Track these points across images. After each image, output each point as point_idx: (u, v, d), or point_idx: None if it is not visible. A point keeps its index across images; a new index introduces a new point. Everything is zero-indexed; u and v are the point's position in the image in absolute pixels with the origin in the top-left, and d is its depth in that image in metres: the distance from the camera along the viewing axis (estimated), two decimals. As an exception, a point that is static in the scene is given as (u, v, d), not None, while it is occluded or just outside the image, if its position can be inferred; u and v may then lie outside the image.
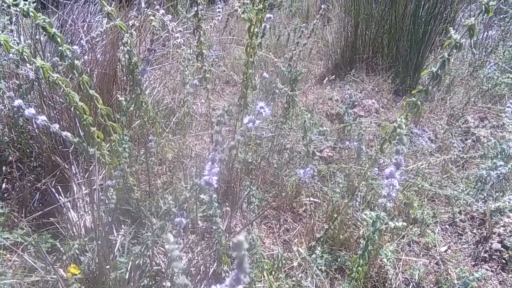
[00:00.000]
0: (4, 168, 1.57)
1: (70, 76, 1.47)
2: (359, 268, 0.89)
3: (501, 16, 3.44)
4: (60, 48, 0.96)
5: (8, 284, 1.00)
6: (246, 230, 1.37)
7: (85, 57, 1.67)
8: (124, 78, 1.73)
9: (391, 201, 0.78)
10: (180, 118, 1.76)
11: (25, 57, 1.05)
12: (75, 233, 1.23)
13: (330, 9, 3.78)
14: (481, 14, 1.12)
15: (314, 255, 1.25)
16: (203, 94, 2.25)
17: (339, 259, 1.37)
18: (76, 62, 0.99)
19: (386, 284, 1.33)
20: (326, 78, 2.24)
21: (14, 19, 1.68)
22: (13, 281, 1.01)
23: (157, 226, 0.79)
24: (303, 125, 1.47)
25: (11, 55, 1.56)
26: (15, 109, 1.44)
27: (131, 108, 1.42)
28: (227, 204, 1.45)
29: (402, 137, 0.74)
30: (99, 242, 0.93)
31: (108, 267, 0.94)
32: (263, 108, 0.75)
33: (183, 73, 1.74)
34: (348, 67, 3.05)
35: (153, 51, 1.38)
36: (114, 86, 1.70)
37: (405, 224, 1.03)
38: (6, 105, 1.61)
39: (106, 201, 1.11)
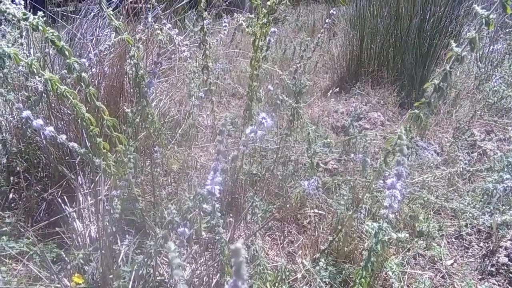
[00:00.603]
0: (11, 178, 1.59)
1: (78, 88, 1.50)
2: (362, 280, 0.89)
3: (507, 30, 3.45)
4: (68, 61, 0.99)
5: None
6: (249, 241, 1.36)
7: (93, 69, 1.70)
8: (131, 90, 1.76)
9: (395, 212, 0.78)
10: (185, 130, 1.78)
11: (34, 70, 1.08)
12: (80, 243, 1.24)
13: (336, 23, 3.82)
14: (482, 27, 1.13)
15: (318, 267, 1.24)
16: (208, 106, 2.27)
17: (343, 272, 1.36)
18: (83, 74, 1.01)
19: (391, 297, 1.31)
20: (331, 91, 2.26)
21: (24, 32, 1.72)
22: (18, 290, 1.02)
23: (160, 235, 0.80)
24: (308, 137, 1.47)
25: (20, 67, 1.60)
26: (24, 120, 1.47)
27: (137, 120, 1.44)
28: (231, 215, 1.45)
29: (402, 147, 0.74)
30: (103, 251, 0.94)
31: (111, 276, 0.94)
32: (265, 118, 0.76)
33: (189, 85, 1.77)
34: (354, 80, 3.06)
35: (159, 64, 1.40)
36: (121, 98, 1.72)
37: (407, 235, 1.02)
38: (15, 117, 1.64)
39: (111, 211, 1.12)
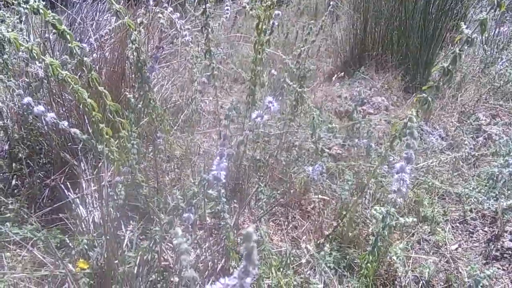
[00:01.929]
0: (14, 164, 1.59)
1: (79, 74, 1.48)
2: (369, 264, 0.88)
3: (513, 12, 3.39)
4: (69, 45, 0.97)
5: (18, 278, 1.01)
6: (254, 226, 1.36)
7: (94, 55, 1.68)
8: (132, 76, 1.74)
9: (403, 197, 0.76)
10: (188, 116, 1.76)
11: (35, 54, 1.06)
12: (84, 229, 1.24)
13: (339, 6, 3.76)
14: (493, 9, 1.10)
15: (322, 252, 1.24)
16: (211, 92, 2.25)
17: (347, 257, 1.36)
18: (85, 59, 0.99)
19: (396, 282, 1.31)
20: (335, 76, 2.24)
21: (23, 18, 1.69)
22: (23, 275, 1.02)
23: (165, 221, 0.79)
24: (312, 122, 1.46)
25: (20, 53, 1.58)
26: (25, 106, 1.45)
27: (139, 106, 1.42)
28: (235, 201, 1.44)
29: (413, 131, 0.72)
30: (107, 237, 0.93)
31: (116, 261, 0.94)
32: (271, 103, 0.75)
33: (191, 70, 1.74)
34: (357, 65, 3.02)
35: (161, 48, 1.38)
36: (123, 84, 1.71)
37: (415, 220, 1.02)
38: (16, 103, 1.63)
39: (115, 197, 1.11)
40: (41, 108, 1.15)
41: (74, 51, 0.97)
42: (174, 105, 1.97)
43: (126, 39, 1.66)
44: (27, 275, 1.03)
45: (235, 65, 3.02)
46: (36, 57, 1.06)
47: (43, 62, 1.07)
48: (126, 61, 1.68)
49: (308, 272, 1.28)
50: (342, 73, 2.21)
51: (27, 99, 1.15)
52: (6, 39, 1.04)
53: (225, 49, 3.03)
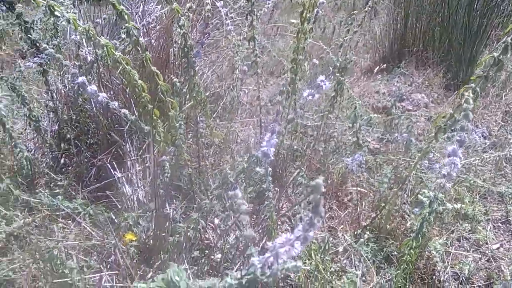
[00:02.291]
0: (62, 144, 1.66)
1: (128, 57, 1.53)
2: (411, 251, 0.87)
3: None
4: (126, 25, 1.01)
5: (70, 246, 1.07)
6: (290, 213, 1.38)
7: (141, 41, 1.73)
8: (177, 63, 1.78)
9: (453, 182, 0.75)
10: (227, 104, 1.79)
11: (91, 35, 1.11)
12: (129, 206, 1.29)
13: (378, 1, 3.70)
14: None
15: (362, 240, 1.23)
16: (249, 82, 2.28)
17: (385, 249, 1.35)
18: (140, 39, 1.03)
19: (434, 276, 1.29)
20: (377, 68, 2.21)
21: (76, 2, 1.76)
22: (75, 243, 1.08)
23: (214, 194, 0.81)
24: (354, 111, 1.45)
25: (73, 36, 1.65)
26: (75, 88, 1.51)
27: (184, 90, 1.46)
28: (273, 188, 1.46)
29: (468, 113, 0.71)
30: (156, 211, 0.97)
31: (163, 234, 0.97)
32: (323, 81, 0.75)
33: (233, 59, 1.77)
34: (396, 60, 2.97)
35: (207, 34, 1.41)
36: (167, 70, 1.75)
37: (463, 206, 1.00)
38: (66, 85, 1.70)
39: (161, 176, 1.15)
40: (94, 87, 1.20)
41: (131, 31, 1.01)
42: (214, 93, 2.00)
43: (171, 26, 1.71)
44: (79, 243, 1.09)
45: (272, 58, 3.03)
46: (92, 38, 1.12)
47: (97, 43, 1.13)
48: (171, 48, 1.72)
49: (345, 261, 1.28)
50: (384, 65, 2.18)
51: (82, 78, 1.20)
52: (64, 20, 1.09)
53: (262, 42, 3.05)
